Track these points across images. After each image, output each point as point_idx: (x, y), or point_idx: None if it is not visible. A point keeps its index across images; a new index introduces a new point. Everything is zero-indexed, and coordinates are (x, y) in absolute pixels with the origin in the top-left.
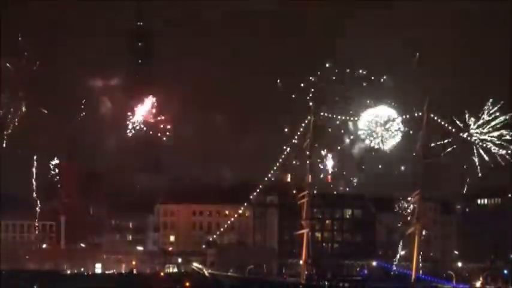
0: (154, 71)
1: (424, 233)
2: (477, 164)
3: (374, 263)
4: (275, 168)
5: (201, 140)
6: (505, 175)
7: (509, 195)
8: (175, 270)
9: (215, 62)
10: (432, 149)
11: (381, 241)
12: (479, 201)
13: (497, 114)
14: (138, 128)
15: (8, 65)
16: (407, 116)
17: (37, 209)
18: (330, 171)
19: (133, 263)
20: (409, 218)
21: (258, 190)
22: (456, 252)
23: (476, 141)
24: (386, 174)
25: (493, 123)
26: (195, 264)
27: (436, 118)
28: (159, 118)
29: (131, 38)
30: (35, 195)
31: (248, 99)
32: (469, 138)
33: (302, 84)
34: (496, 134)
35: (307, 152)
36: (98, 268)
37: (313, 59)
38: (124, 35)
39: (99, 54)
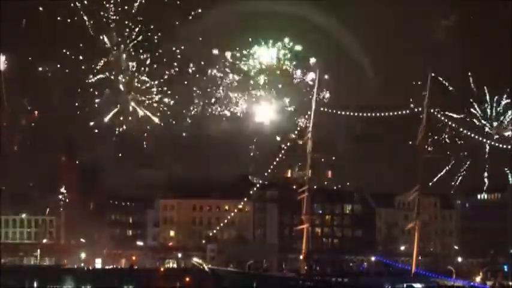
0: None
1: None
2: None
3: (373, 258)
4: (275, 163)
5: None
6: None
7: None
8: (175, 265)
9: None
10: (432, 144)
11: (381, 236)
12: (479, 197)
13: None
14: None
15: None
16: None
17: (37, 204)
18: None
19: (133, 258)
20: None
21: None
22: (456, 247)
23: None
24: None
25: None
26: (195, 260)
27: (436, 113)
28: None
29: None
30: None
31: None
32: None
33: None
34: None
35: (308, 147)
36: (98, 263)
37: None
38: None
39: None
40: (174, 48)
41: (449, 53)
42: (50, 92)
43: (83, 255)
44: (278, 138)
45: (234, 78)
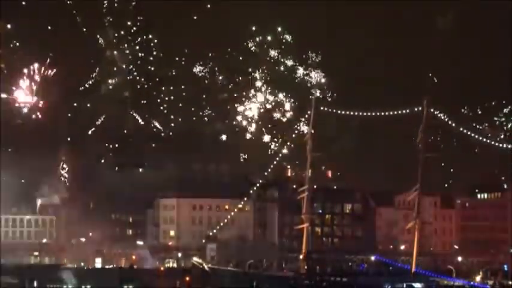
0: None
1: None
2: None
3: (373, 258)
4: (275, 162)
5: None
6: (505, 169)
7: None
8: (175, 265)
9: None
10: (432, 143)
11: (381, 236)
12: (479, 196)
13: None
14: None
15: None
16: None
17: (38, 203)
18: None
19: (133, 257)
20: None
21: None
22: (456, 247)
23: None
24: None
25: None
26: (195, 259)
27: (435, 112)
28: None
29: None
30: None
31: None
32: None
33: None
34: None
35: (308, 146)
36: (98, 263)
37: None
38: None
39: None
40: (172, 48)
41: (447, 52)
42: (49, 92)
43: (83, 255)
44: (278, 138)
45: (227, 79)
